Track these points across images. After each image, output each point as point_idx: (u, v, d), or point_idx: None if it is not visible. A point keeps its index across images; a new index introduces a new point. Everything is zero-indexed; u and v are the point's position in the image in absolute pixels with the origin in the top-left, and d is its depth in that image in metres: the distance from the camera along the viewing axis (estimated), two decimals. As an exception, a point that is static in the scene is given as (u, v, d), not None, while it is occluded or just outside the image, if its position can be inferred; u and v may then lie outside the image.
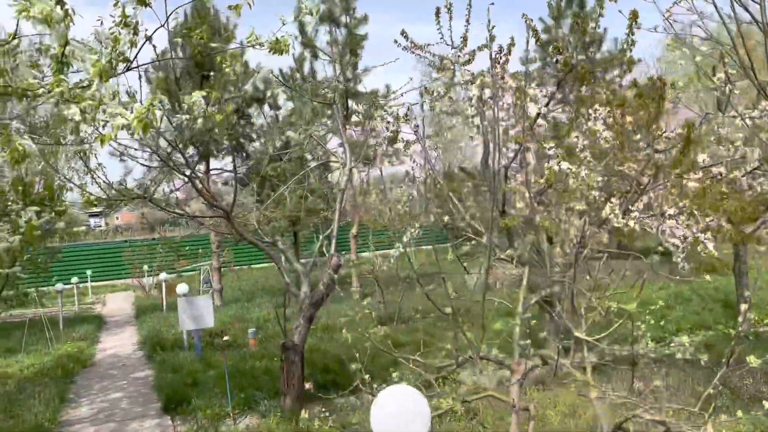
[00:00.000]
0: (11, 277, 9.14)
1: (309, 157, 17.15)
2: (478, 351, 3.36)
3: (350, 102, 16.42)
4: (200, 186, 7.13)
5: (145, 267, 23.76)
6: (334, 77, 14.64)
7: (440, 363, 3.66)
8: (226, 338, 7.72)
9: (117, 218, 58.07)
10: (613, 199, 6.42)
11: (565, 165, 6.42)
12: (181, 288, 12.14)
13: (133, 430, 7.50)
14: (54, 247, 10.70)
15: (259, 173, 14.55)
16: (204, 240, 26.41)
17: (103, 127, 4.53)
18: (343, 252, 19.64)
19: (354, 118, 15.76)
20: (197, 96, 3.98)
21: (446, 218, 9.54)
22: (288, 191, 15.39)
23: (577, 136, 6.61)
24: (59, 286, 16.29)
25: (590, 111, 6.65)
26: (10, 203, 6.63)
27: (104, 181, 6.92)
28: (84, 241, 34.57)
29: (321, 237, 8.63)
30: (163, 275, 17.91)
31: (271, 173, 14.18)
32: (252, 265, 29.29)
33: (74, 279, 20.24)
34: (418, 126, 9.01)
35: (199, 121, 4.12)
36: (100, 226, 54.65)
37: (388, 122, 9.15)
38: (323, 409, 7.24)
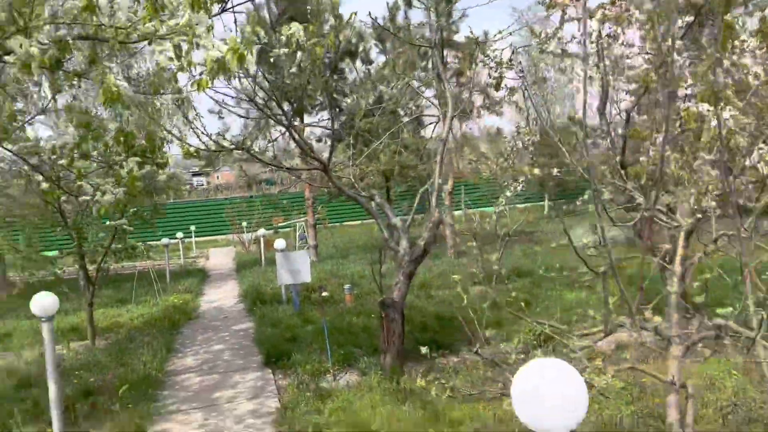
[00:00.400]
0: (119, 231, 9.34)
1: (401, 112, 16.63)
2: (634, 317, 2.79)
3: (445, 52, 15.66)
4: (297, 137, 6.81)
5: (244, 223, 24.40)
6: (430, 21, 13.91)
7: (586, 330, 3.11)
8: (324, 294, 7.48)
9: (218, 177, 60.43)
10: (762, 145, 5.50)
11: (704, 106, 5.52)
12: (279, 243, 12.12)
13: (235, 382, 7.49)
14: (159, 203, 10.95)
15: (353, 128, 14.20)
16: (298, 197, 26.70)
17: (200, 74, 4.24)
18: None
19: (450, 68, 15.02)
20: (296, 27, 3.54)
21: (555, 171, 8.78)
22: (381, 146, 14.99)
23: (718, 73, 5.68)
24: (165, 240, 16.89)
25: (737, 43, 5.68)
26: (113, 155, 6.60)
27: (203, 132, 6.74)
28: (188, 199, 36.07)
29: (420, 191, 8.16)
30: (261, 231, 18.19)
31: (364, 128, 13.79)
32: (344, 223, 29.45)
33: (179, 234, 21.04)
34: (523, 71, 8.25)
35: (299, 54, 3.72)
36: (202, 184, 57.09)
37: (491, 68, 8.44)
38: (429, 371, 6.90)
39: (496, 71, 8.58)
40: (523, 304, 4.40)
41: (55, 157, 6.77)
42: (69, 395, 7.00)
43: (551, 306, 9.62)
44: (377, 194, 8.12)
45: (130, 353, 8.77)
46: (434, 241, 7.63)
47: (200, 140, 6.51)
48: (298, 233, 19.54)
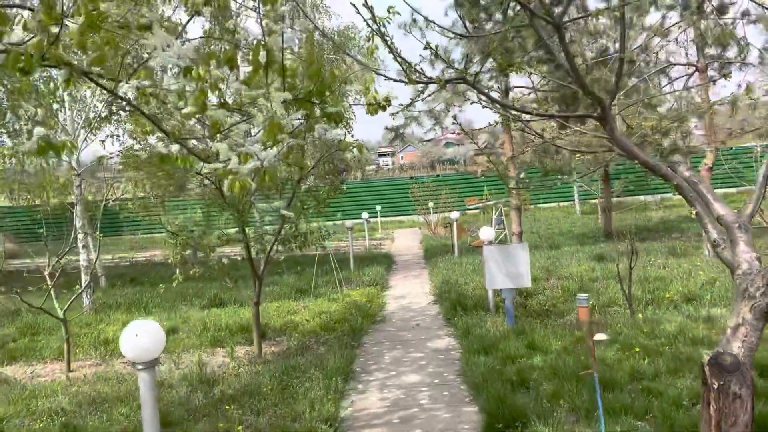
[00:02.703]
0: (287, 216, 6.80)
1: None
2: None
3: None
4: (566, 51, 3.50)
5: (431, 204, 21.71)
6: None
7: None
8: (601, 336, 4.06)
9: (402, 157, 59.10)
10: None
11: None
12: (486, 233, 8.92)
13: (441, 461, 4.45)
14: (339, 181, 8.45)
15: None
16: (480, 181, 23.16)
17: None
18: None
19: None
20: None
21: None
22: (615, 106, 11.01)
23: None
24: (349, 223, 14.62)
25: None
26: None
27: (399, 56, 3.69)
28: (373, 179, 34.65)
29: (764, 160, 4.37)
30: (454, 214, 15.10)
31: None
32: (538, 205, 25.47)
33: (365, 214, 18.89)
34: None
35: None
36: (388, 164, 56.08)
37: None
38: None
39: None
40: None
41: (181, 103, 4.17)
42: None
43: None
44: (682, 161, 4.50)
45: (298, 377, 6.21)
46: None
47: (397, 61, 3.47)
48: (494, 216, 16.17)
